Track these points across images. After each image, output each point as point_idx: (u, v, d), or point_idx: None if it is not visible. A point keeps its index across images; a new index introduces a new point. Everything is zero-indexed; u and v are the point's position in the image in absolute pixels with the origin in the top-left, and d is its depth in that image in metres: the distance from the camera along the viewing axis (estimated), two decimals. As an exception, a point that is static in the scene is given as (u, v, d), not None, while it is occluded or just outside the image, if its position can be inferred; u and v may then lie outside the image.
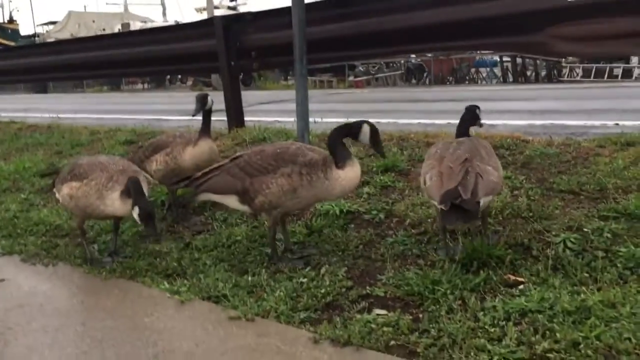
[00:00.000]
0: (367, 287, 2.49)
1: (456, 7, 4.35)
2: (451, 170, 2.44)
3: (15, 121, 8.48)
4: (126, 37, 7.75)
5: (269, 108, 9.66)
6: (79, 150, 5.77)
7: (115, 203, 2.83)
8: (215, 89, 22.21)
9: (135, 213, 2.71)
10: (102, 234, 3.51)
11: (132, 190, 2.74)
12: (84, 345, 2.15)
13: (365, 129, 2.71)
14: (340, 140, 2.73)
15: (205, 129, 3.59)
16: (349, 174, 2.67)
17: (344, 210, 3.31)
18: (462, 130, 2.90)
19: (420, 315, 2.22)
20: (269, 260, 2.88)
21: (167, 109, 12.87)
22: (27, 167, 5.19)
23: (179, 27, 7.81)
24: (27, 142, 6.36)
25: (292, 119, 6.23)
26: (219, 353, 2.10)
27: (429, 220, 3.04)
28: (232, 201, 2.88)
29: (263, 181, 2.72)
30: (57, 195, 3.18)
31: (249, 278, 2.68)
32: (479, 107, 2.99)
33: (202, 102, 3.63)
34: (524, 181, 3.42)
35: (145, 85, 29.39)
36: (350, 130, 2.75)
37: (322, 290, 2.49)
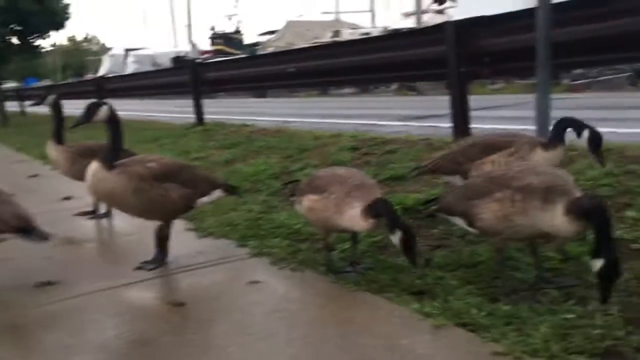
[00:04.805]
0: (652, 334, 2.12)
1: None
2: None
3: (247, 124, 9.20)
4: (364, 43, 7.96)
5: (485, 115, 9.25)
6: (307, 154, 6.01)
7: (354, 219, 2.75)
8: (421, 93, 22.10)
9: (397, 238, 2.59)
10: (340, 242, 3.54)
11: (385, 212, 2.64)
12: (347, 362, 2.12)
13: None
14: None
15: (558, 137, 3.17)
16: None
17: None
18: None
19: None
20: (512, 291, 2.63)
21: (376, 113, 13.08)
22: (263, 170, 5.52)
23: (406, 34, 7.84)
24: (261, 145, 6.81)
25: (518, 127, 5.83)
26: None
27: None
28: (461, 223, 2.74)
29: (477, 205, 2.54)
30: (296, 206, 3.23)
31: (504, 307, 2.46)
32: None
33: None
34: None
35: (350, 90, 30.32)
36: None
37: (596, 332, 2.18)
